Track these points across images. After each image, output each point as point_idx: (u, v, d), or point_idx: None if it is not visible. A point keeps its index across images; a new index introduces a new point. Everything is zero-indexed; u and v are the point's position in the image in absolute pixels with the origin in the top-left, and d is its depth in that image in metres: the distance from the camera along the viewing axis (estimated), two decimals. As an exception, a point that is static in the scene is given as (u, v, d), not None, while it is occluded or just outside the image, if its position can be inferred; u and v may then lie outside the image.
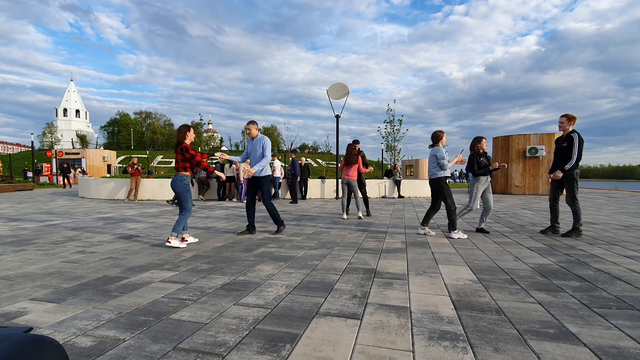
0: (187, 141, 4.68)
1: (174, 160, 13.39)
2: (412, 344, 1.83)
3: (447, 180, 5.40)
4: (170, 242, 4.29)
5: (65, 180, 23.62)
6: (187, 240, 4.57)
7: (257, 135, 5.32)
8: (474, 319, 2.16)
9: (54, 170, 33.95)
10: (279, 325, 2.06)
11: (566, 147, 5.00)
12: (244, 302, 2.43)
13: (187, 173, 4.56)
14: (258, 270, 3.27)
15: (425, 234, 5.33)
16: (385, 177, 16.06)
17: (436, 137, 5.27)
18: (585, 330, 1.99)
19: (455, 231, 5.09)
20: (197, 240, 4.78)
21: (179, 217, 4.47)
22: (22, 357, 0.55)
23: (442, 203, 5.32)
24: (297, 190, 12.63)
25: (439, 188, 5.20)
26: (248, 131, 5.27)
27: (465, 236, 5.11)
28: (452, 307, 2.35)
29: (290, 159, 12.69)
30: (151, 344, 1.83)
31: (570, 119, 5.08)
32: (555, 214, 5.42)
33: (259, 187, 5.33)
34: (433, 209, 5.44)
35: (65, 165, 23.23)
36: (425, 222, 5.43)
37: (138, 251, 4.13)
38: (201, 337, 1.90)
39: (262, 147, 5.19)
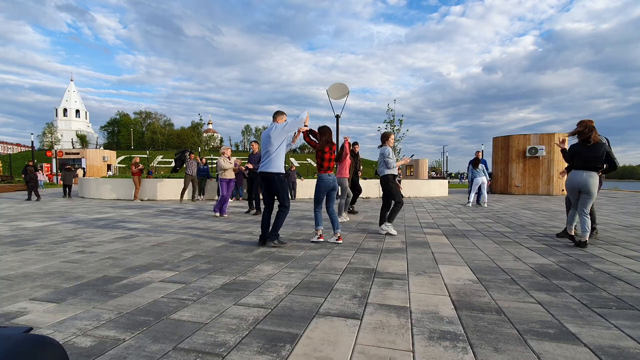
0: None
1: (173, 160, 12.91)
2: (412, 344, 1.83)
3: (397, 179, 5.56)
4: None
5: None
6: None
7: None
8: (474, 319, 2.16)
9: (53, 170, 33.94)
10: (279, 325, 2.06)
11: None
12: (244, 302, 2.43)
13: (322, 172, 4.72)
14: (258, 270, 3.27)
15: (386, 233, 5.32)
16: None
17: (385, 137, 5.55)
18: (585, 330, 1.99)
19: (388, 224, 5.30)
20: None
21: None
22: (22, 357, 0.55)
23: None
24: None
25: (386, 185, 5.36)
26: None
27: (395, 232, 5.27)
28: (452, 307, 2.35)
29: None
30: (151, 344, 1.83)
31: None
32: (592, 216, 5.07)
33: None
34: (385, 207, 5.49)
35: (29, 164, 13.52)
36: (382, 221, 5.47)
37: (138, 251, 4.13)
38: (201, 337, 1.90)
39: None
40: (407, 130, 50.54)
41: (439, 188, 16.59)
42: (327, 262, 3.59)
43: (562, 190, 16.81)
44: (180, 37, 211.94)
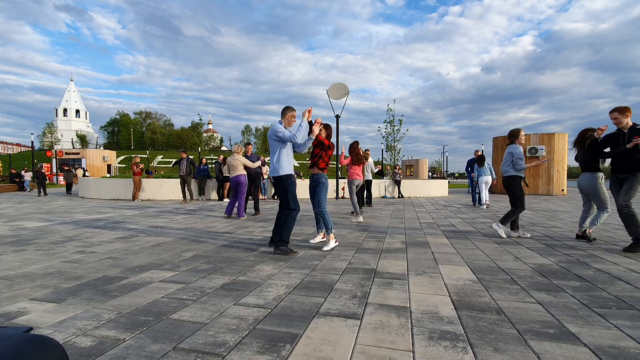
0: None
1: (174, 160, 12.73)
2: (412, 344, 1.83)
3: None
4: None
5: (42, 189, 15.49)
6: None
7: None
8: (474, 319, 2.16)
9: (53, 170, 33.95)
10: (279, 325, 2.06)
11: None
12: (244, 302, 2.43)
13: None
14: (258, 270, 3.27)
15: (520, 235, 5.10)
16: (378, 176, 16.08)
17: (513, 135, 5.17)
18: (585, 330, 1.99)
19: (500, 226, 5.04)
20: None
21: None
22: (22, 357, 0.55)
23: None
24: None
25: (510, 186, 5.06)
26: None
27: (505, 236, 5.05)
28: (452, 307, 2.35)
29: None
30: (151, 344, 1.83)
31: (622, 111, 4.23)
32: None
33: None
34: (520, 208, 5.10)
35: (23, 172, 12.15)
36: (513, 225, 5.18)
37: (138, 251, 4.13)
38: (201, 337, 1.90)
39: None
40: (407, 130, 50.56)
41: (439, 188, 16.59)
42: (327, 262, 3.59)
43: (562, 190, 16.81)
44: (179, 37, 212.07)
